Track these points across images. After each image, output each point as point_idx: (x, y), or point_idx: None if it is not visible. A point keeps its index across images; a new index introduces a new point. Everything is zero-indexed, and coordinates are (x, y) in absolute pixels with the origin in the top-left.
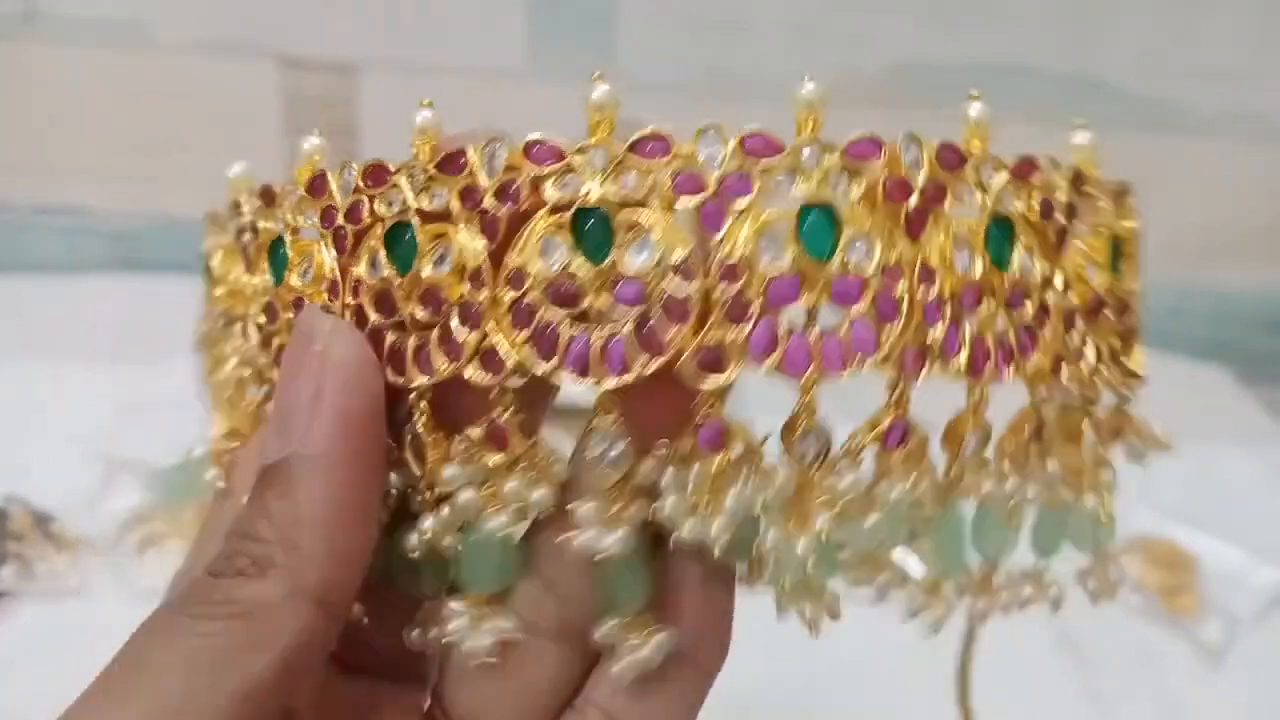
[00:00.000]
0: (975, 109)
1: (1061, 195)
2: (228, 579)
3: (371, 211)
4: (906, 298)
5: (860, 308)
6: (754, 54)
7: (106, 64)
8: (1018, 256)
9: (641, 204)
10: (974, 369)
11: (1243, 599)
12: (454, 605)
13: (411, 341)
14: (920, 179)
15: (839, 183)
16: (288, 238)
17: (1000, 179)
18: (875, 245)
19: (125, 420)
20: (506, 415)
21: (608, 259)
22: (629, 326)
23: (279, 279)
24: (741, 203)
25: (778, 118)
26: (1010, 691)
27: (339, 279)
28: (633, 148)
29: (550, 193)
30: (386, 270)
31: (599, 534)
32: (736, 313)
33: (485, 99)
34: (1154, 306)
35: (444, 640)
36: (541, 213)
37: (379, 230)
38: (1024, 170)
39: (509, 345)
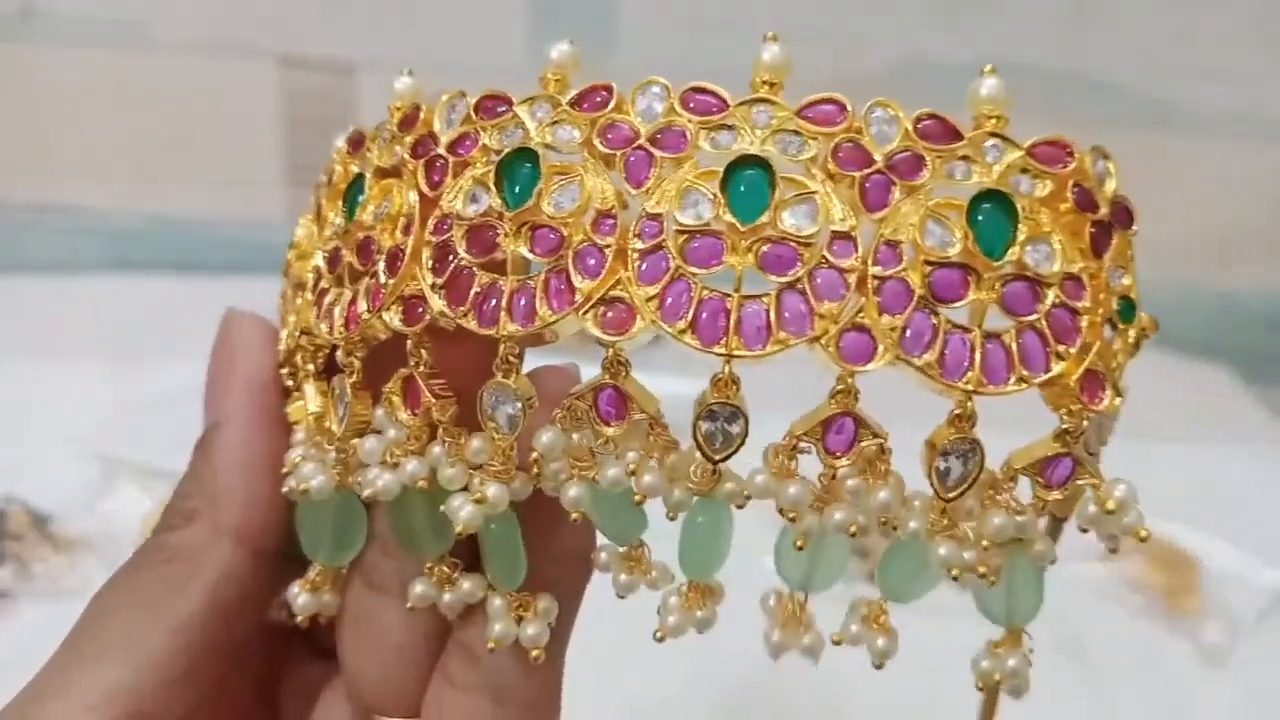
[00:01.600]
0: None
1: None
2: (163, 533)
3: (480, 144)
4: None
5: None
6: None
7: (106, 64)
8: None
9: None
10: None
11: (1244, 599)
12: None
13: (508, 285)
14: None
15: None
16: (369, 177)
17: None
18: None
19: (123, 420)
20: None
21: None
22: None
23: (350, 219)
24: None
25: None
26: None
27: (415, 215)
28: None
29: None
30: (493, 202)
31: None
32: (892, 300)
33: None
34: (1154, 307)
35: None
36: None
37: (481, 163)
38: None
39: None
